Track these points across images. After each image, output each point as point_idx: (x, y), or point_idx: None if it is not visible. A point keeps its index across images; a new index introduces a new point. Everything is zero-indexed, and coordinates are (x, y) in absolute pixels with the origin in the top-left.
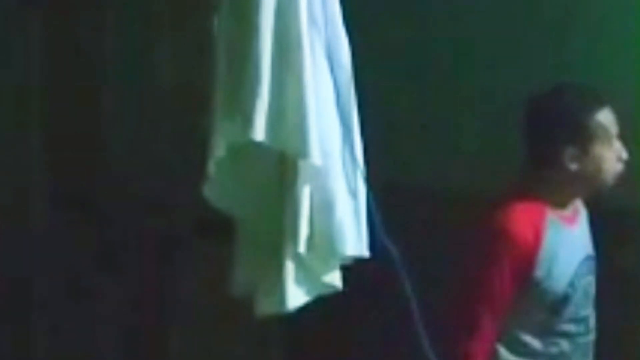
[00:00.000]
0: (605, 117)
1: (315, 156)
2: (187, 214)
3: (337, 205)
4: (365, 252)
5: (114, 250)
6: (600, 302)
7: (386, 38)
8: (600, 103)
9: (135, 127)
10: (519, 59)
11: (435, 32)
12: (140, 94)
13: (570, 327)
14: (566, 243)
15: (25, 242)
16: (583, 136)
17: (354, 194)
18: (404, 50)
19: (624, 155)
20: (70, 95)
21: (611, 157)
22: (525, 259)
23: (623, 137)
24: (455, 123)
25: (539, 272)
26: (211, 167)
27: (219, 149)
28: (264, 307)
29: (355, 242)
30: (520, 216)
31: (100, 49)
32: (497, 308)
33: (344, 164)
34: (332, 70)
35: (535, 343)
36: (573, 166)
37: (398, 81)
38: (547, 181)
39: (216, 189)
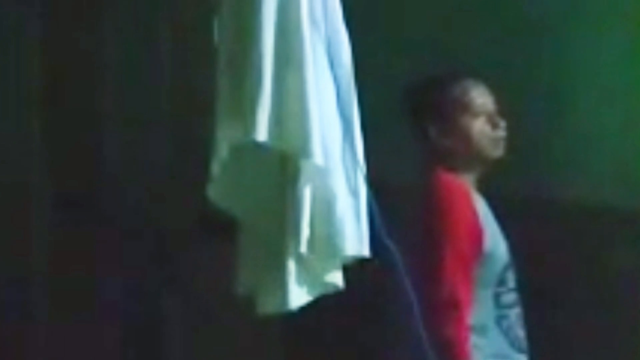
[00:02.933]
0: (462, 90)
1: (317, 156)
2: (189, 214)
3: (338, 205)
4: (365, 252)
5: (113, 250)
6: (600, 302)
7: (386, 38)
8: (452, 77)
9: (135, 127)
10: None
11: (437, 33)
12: (140, 94)
13: (512, 297)
14: (487, 212)
15: (25, 242)
16: (441, 111)
17: (354, 194)
18: (405, 49)
19: (501, 122)
20: (70, 95)
21: (481, 127)
22: (476, 232)
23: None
24: None
25: (487, 243)
26: (214, 168)
27: (221, 150)
28: (266, 307)
29: (356, 242)
30: (457, 193)
31: (100, 49)
32: (468, 289)
33: (344, 164)
34: (332, 68)
35: (490, 320)
36: (444, 141)
37: (398, 80)
38: (440, 159)
39: (219, 189)
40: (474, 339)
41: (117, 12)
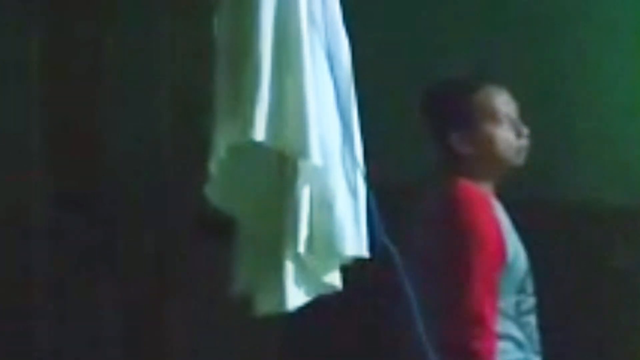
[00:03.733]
0: (487, 96)
1: (316, 156)
2: (187, 214)
3: (337, 205)
4: (365, 252)
5: (113, 250)
6: (600, 302)
7: (386, 38)
8: (477, 83)
9: (135, 127)
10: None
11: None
12: (140, 93)
13: (531, 302)
14: (507, 220)
15: (25, 242)
16: (465, 119)
17: (353, 194)
18: (404, 50)
19: (524, 130)
20: (70, 95)
21: (504, 135)
22: (499, 244)
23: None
24: None
25: (509, 253)
26: (212, 168)
27: (219, 149)
28: (264, 307)
29: (355, 242)
30: (480, 204)
31: (100, 49)
32: (493, 301)
33: (343, 164)
34: (332, 70)
35: (513, 329)
36: (464, 149)
37: (397, 81)
38: (458, 166)
39: (217, 189)
40: (501, 347)
41: (117, 11)
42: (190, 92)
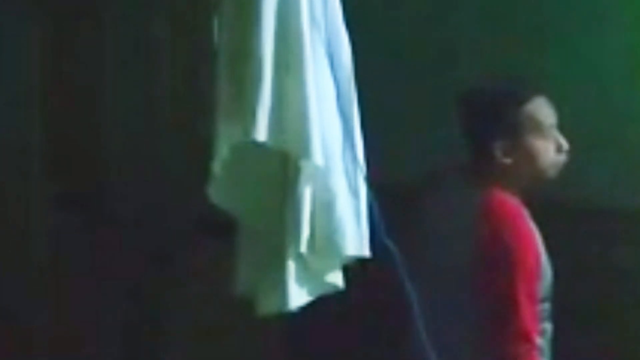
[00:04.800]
0: (535, 108)
1: (317, 156)
2: (189, 214)
3: (338, 205)
4: (366, 252)
5: (113, 250)
6: (601, 302)
7: (386, 38)
8: (528, 94)
9: (135, 127)
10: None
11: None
12: (140, 93)
13: (548, 308)
14: (535, 229)
15: (25, 242)
16: (512, 128)
17: (355, 194)
18: (404, 50)
19: (565, 145)
20: (70, 95)
21: (546, 148)
22: (538, 256)
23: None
24: (454, 124)
25: (544, 264)
26: (214, 168)
27: (221, 150)
28: (266, 307)
29: (356, 242)
30: (518, 216)
31: (100, 49)
32: (535, 314)
33: (344, 163)
34: (332, 69)
35: (538, 336)
36: (507, 159)
37: (398, 81)
38: (494, 175)
39: (219, 189)
40: None
41: (117, 11)
42: (191, 92)
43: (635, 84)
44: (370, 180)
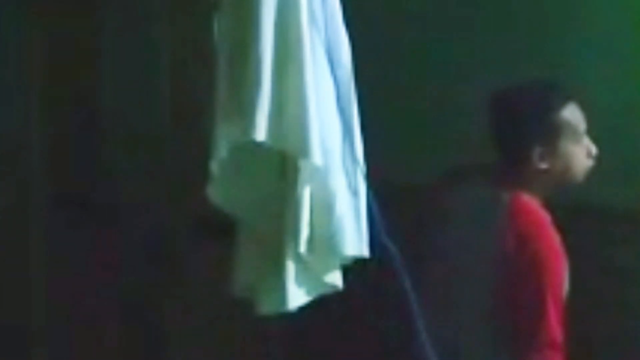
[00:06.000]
0: (572, 114)
1: (316, 156)
2: (188, 214)
3: (337, 204)
4: (365, 252)
5: (113, 250)
6: (601, 302)
7: (386, 38)
8: (565, 99)
9: (135, 127)
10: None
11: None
12: (140, 93)
13: None
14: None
15: (25, 242)
16: (550, 134)
17: (354, 193)
18: (404, 50)
19: (594, 150)
20: (70, 95)
21: (580, 153)
22: (563, 262)
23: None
24: (454, 123)
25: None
26: (213, 167)
27: (220, 149)
28: (265, 307)
29: (355, 242)
30: (545, 222)
31: (100, 49)
32: (561, 320)
33: (344, 163)
34: (332, 69)
35: None
36: (543, 164)
37: (398, 81)
38: (524, 178)
39: (218, 189)
40: None
41: (117, 11)
42: (191, 92)
43: (636, 83)
44: (370, 180)
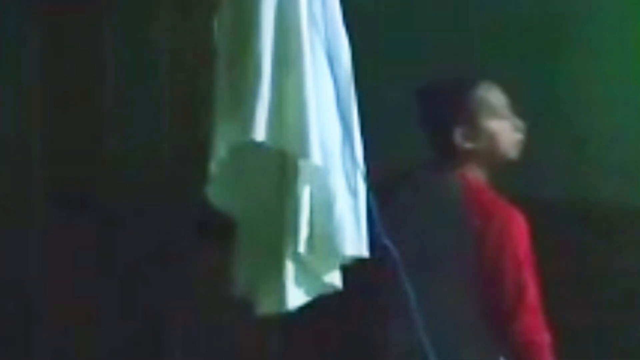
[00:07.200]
0: (487, 91)
1: (316, 156)
2: (188, 214)
3: (337, 205)
4: (365, 252)
5: (113, 249)
6: (601, 302)
7: (386, 38)
8: (475, 80)
9: (135, 127)
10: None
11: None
12: (140, 94)
13: None
14: None
15: (25, 242)
16: (467, 113)
17: (354, 194)
18: (404, 50)
19: (519, 124)
20: (70, 95)
21: (505, 129)
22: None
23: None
24: None
25: None
26: (212, 168)
27: (220, 150)
28: (265, 307)
29: (355, 242)
30: (497, 196)
31: (100, 49)
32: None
33: (344, 163)
34: (332, 69)
35: None
36: (467, 144)
37: (398, 81)
38: (458, 162)
39: (217, 189)
40: None
41: (117, 11)
42: (191, 92)
43: (636, 83)
44: (370, 180)
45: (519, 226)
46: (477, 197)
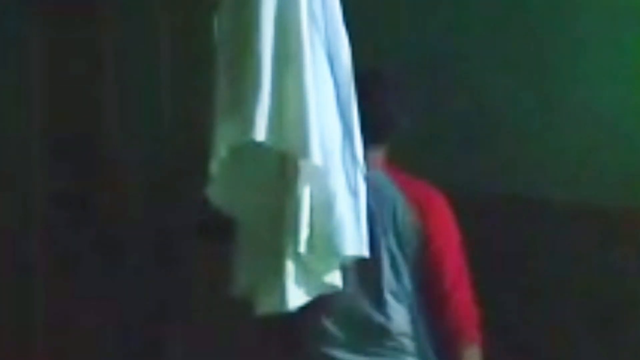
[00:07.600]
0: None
1: (316, 156)
2: (188, 214)
3: (337, 205)
4: (365, 252)
5: (113, 249)
6: (600, 302)
7: (386, 38)
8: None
9: (135, 127)
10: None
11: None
12: (140, 93)
13: None
14: None
15: (24, 242)
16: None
17: (354, 194)
18: (404, 50)
19: None
20: (70, 95)
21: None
22: None
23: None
24: (454, 123)
25: None
26: (213, 168)
27: (220, 150)
28: (265, 307)
29: (355, 242)
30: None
31: (100, 48)
32: None
33: (344, 163)
34: (332, 69)
35: None
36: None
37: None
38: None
39: (218, 189)
40: None
41: (117, 11)
42: (191, 93)
43: (635, 83)
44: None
45: (446, 209)
46: (409, 187)
